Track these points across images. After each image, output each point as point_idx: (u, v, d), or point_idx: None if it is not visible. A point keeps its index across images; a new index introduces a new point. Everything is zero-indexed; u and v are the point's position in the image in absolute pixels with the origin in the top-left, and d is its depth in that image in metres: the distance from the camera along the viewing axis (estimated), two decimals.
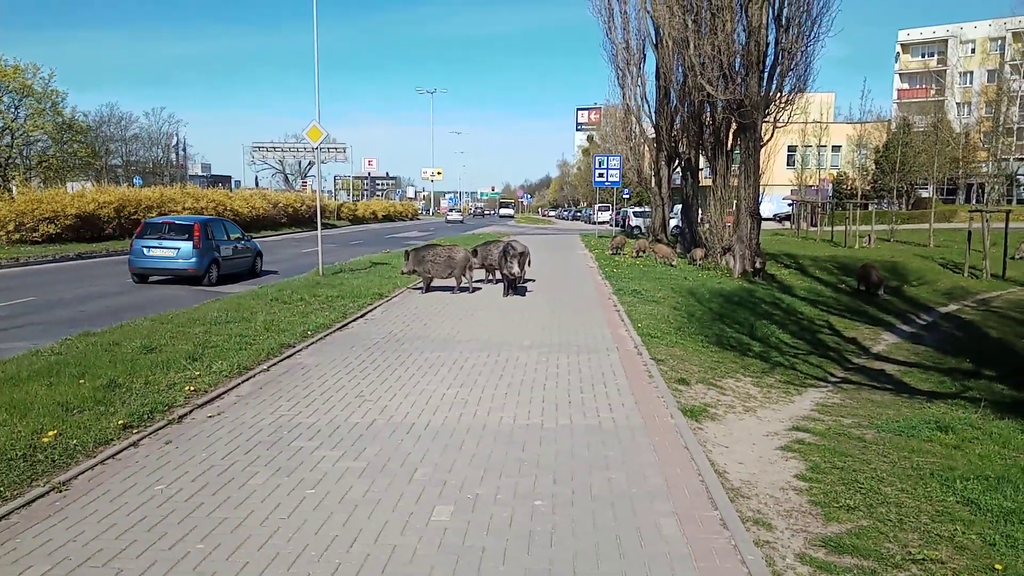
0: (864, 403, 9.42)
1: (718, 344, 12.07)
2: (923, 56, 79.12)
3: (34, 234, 26.56)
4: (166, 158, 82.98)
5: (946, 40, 75.35)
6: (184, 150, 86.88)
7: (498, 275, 16.33)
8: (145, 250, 17.53)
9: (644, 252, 25.78)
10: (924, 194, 58.11)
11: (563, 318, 12.70)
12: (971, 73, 72.00)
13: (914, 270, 24.93)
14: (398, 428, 6.57)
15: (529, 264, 16.22)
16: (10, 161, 37.87)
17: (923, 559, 4.45)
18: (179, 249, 17.40)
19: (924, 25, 79.64)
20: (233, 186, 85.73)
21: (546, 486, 5.30)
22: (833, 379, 11.22)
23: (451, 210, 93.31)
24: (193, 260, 17.42)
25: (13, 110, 37.39)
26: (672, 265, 23.01)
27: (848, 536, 4.76)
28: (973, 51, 73.09)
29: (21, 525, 4.60)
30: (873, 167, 56.50)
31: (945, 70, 71.49)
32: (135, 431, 6.30)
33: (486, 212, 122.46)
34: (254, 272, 20.32)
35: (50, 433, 5.96)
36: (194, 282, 17.63)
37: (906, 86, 79.74)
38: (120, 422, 6.35)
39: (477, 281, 16.75)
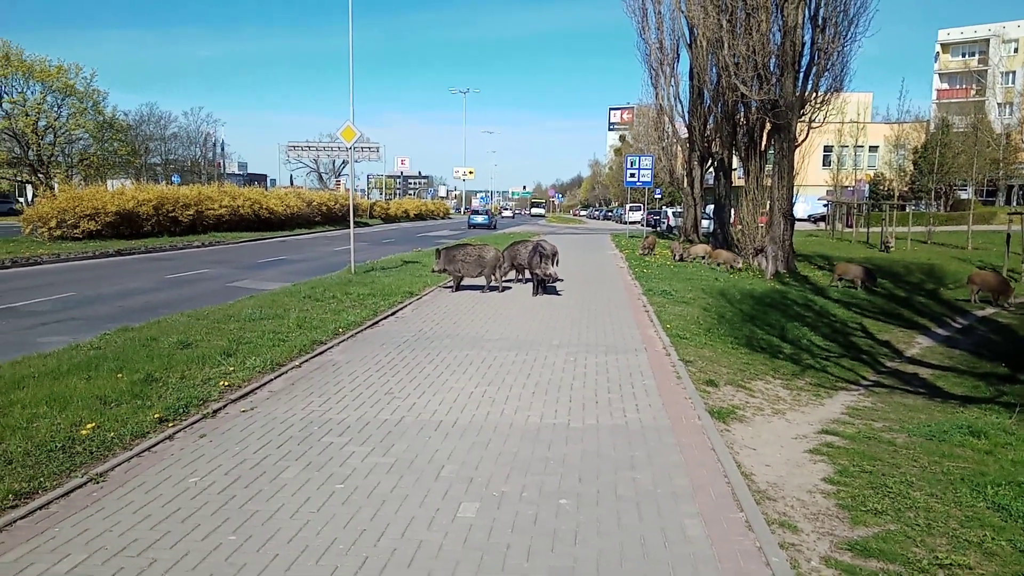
0: (895, 407, 9.32)
1: (748, 346, 12.00)
2: (963, 56, 77.60)
3: (75, 231, 27.12)
4: (204, 157, 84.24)
5: (987, 39, 73.85)
6: (222, 149, 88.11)
7: (527, 274, 16.38)
8: (472, 217, 60.52)
9: (699, 257, 24.94)
10: (963, 195, 57.09)
11: (592, 318, 12.70)
12: (1013, 73, 70.52)
13: (951, 273, 24.49)
14: (426, 425, 6.65)
15: (557, 263, 16.24)
16: (52, 159, 38.71)
17: (951, 564, 4.41)
18: (484, 216, 59.17)
19: (965, 24, 78.24)
20: (269, 184, 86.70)
21: (572, 485, 5.33)
22: (865, 382, 11.10)
23: (504, 208, 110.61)
24: (488, 220, 58.05)
25: (56, 109, 38.23)
26: (740, 269, 22.40)
27: (875, 540, 4.74)
28: (1015, 50, 71.57)
29: (60, 514, 4.74)
30: (911, 168, 55.66)
31: (986, 70, 70.14)
32: (171, 425, 6.44)
33: (516, 212, 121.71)
34: (495, 227, 54.99)
35: (88, 426, 6.13)
36: (489, 228, 53.34)
37: (946, 86, 78.27)
38: (156, 416, 6.50)
39: (507, 280, 16.81)
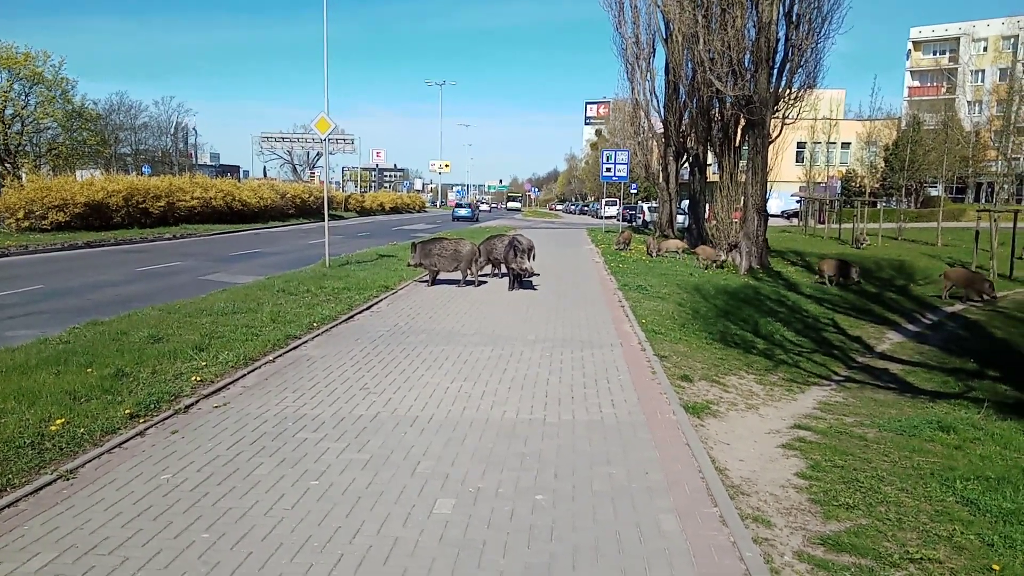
0: (867, 402, 9.44)
1: (722, 341, 12.09)
2: (935, 54, 78.72)
3: (43, 222, 26.69)
4: (175, 147, 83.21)
5: (958, 38, 74.94)
6: (194, 139, 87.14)
7: (504, 269, 16.37)
8: (456, 210, 62.22)
9: (671, 252, 25.03)
10: (933, 192, 57.95)
11: (568, 313, 12.72)
12: (983, 71, 71.58)
13: (921, 269, 24.85)
14: (401, 421, 6.62)
15: (534, 258, 16.26)
16: (20, 148, 37.95)
17: (921, 558, 4.48)
18: (466, 210, 60.40)
19: (936, 23, 79.33)
20: (242, 176, 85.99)
21: (547, 481, 5.34)
22: (837, 377, 11.23)
23: (480, 201, 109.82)
24: (471, 214, 59.50)
25: (23, 97, 37.44)
26: (722, 264, 22.30)
27: (847, 534, 4.80)
28: (985, 49, 72.67)
29: (29, 512, 4.67)
30: (882, 165, 56.30)
31: (957, 68, 71.10)
32: (142, 420, 6.36)
33: (493, 206, 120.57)
34: (478, 220, 59.06)
35: (58, 421, 6.03)
36: (471, 222, 54.74)
37: (917, 84, 79.39)
38: (127, 411, 6.42)
39: (483, 275, 16.79)
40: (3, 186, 30.51)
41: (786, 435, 7.20)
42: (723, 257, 22.72)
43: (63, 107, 38.43)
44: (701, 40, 22.71)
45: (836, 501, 5.36)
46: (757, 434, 7.21)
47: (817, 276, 21.53)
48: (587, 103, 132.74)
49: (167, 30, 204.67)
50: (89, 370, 7.57)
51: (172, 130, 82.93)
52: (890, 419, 8.08)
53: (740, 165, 24.97)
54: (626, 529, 4.60)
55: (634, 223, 50.38)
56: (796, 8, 21.72)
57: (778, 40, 21.93)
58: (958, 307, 18.51)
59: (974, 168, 55.28)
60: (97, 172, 38.28)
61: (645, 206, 53.25)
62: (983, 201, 55.21)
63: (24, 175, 32.94)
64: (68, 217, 27.45)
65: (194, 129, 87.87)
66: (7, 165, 36.78)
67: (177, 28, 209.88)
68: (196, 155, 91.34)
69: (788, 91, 22.71)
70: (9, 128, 36.91)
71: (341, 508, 4.82)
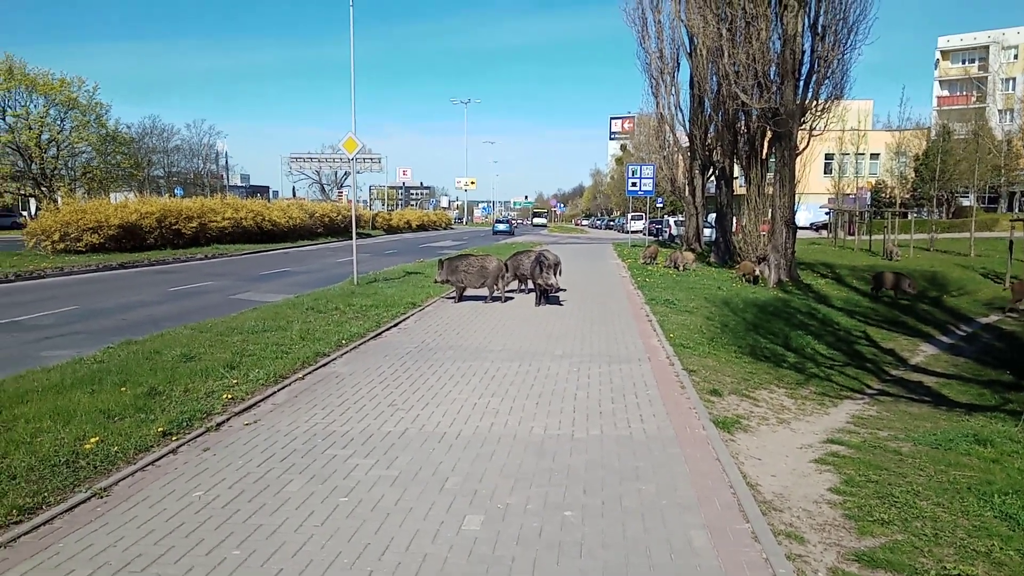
0: (901, 415, 9.29)
1: (752, 355, 11.98)
2: (963, 63, 77.76)
3: (78, 244, 27.21)
4: (206, 169, 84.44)
5: (987, 46, 74.04)
6: (225, 161, 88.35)
7: (530, 285, 16.36)
8: (496, 225, 76.63)
9: (683, 265, 24.91)
10: (965, 202, 57.09)
11: (595, 328, 12.68)
12: (1013, 79, 70.63)
13: (954, 280, 24.47)
14: (430, 437, 6.63)
15: (560, 273, 16.24)
16: (55, 172, 38.79)
17: (958, 574, 4.39)
18: (505, 225, 75.32)
19: (964, 31, 78.48)
20: (271, 196, 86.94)
21: (576, 497, 5.31)
22: (869, 391, 11.07)
23: (532, 215, 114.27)
24: (509, 228, 73.49)
25: (59, 122, 38.34)
26: (754, 281, 21.62)
27: (882, 550, 4.71)
28: (1015, 57, 71.73)
29: (64, 530, 4.73)
30: (912, 175, 55.62)
31: (986, 76, 70.34)
32: (174, 438, 6.43)
33: (519, 223, 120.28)
34: (514, 234, 68.41)
35: (92, 440, 6.12)
36: (508, 235, 64.14)
37: (946, 93, 78.45)
38: (160, 429, 6.49)
39: (509, 291, 16.80)
40: (40, 209, 31.17)
41: (819, 450, 7.10)
42: (756, 271, 22.45)
43: (97, 131, 39.29)
44: (726, 54, 22.65)
45: (871, 516, 5.27)
46: (789, 449, 7.12)
47: (871, 288, 21.19)
48: (612, 118, 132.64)
49: (197, 55, 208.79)
50: (123, 389, 7.68)
51: (204, 153, 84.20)
52: (925, 433, 7.95)
53: (767, 177, 24.81)
54: (657, 546, 4.56)
55: (660, 237, 50.21)
56: (821, 20, 21.59)
57: (804, 52, 21.80)
58: (993, 318, 18.19)
59: (1007, 177, 54.50)
60: (131, 194, 38.92)
61: (671, 220, 53.14)
62: (1016, 210, 54.34)
63: (60, 198, 33.67)
64: (103, 239, 27.98)
65: (225, 151, 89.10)
66: (44, 189, 37.61)
67: (210, 53, 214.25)
68: (227, 176, 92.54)
69: (815, 103, 22.54)
70: (45, 153, 37.76)
71: (370, 525, 4.83)
